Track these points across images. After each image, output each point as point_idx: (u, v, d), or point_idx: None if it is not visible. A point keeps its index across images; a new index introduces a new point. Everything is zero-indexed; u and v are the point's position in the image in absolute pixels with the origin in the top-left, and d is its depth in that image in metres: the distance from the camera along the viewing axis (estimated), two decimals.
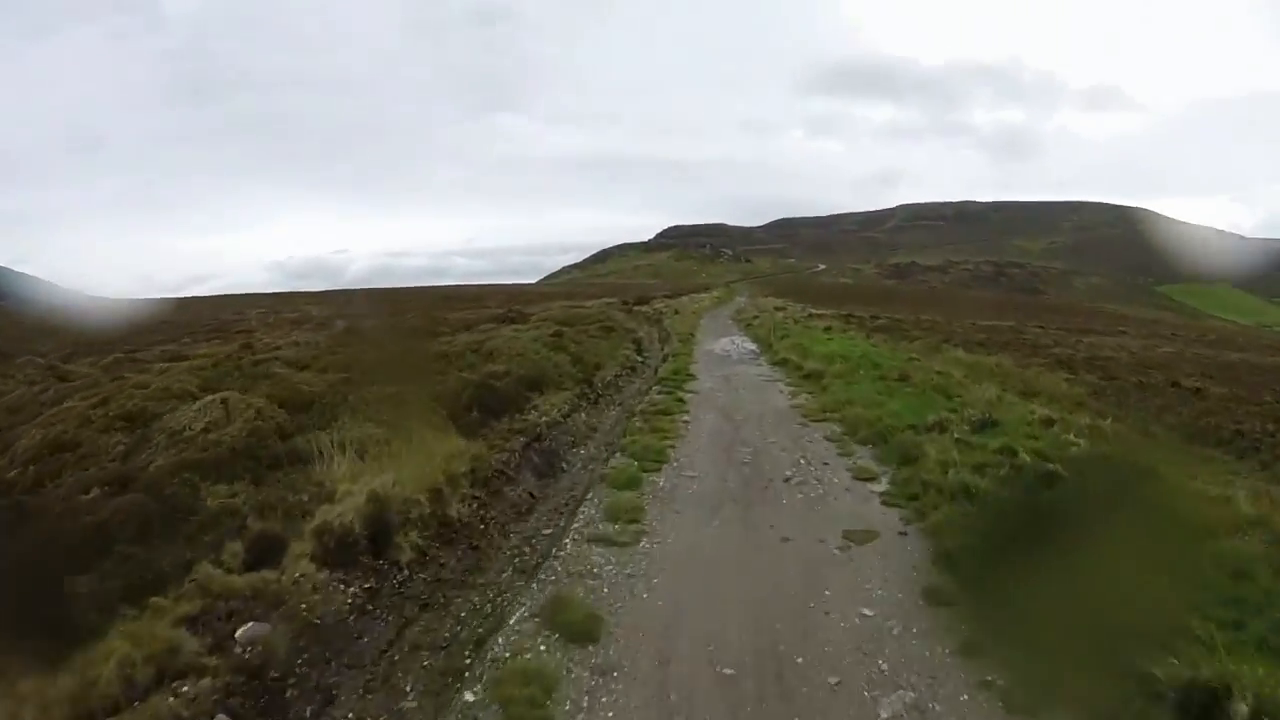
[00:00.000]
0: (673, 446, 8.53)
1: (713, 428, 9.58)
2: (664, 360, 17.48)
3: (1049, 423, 9.19)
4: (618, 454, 8.39)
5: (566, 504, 7.39)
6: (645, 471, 7.50)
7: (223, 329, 24.65)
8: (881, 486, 6.90)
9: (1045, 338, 27.01)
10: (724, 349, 19.70)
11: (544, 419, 10.58)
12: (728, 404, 11.33)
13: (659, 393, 12.52)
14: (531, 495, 7.84)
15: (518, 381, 12.00)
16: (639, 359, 18.00)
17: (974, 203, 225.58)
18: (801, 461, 7.77)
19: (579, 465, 8.93)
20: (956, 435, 8.13)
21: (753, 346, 20.06)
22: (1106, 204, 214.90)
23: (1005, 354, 18.95)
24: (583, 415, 11.55)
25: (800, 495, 6.67)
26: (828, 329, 25.07)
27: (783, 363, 15.96)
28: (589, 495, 6.95)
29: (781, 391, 12.50)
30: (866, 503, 6.48)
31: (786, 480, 7.12)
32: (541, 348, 15.95)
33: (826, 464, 7.67)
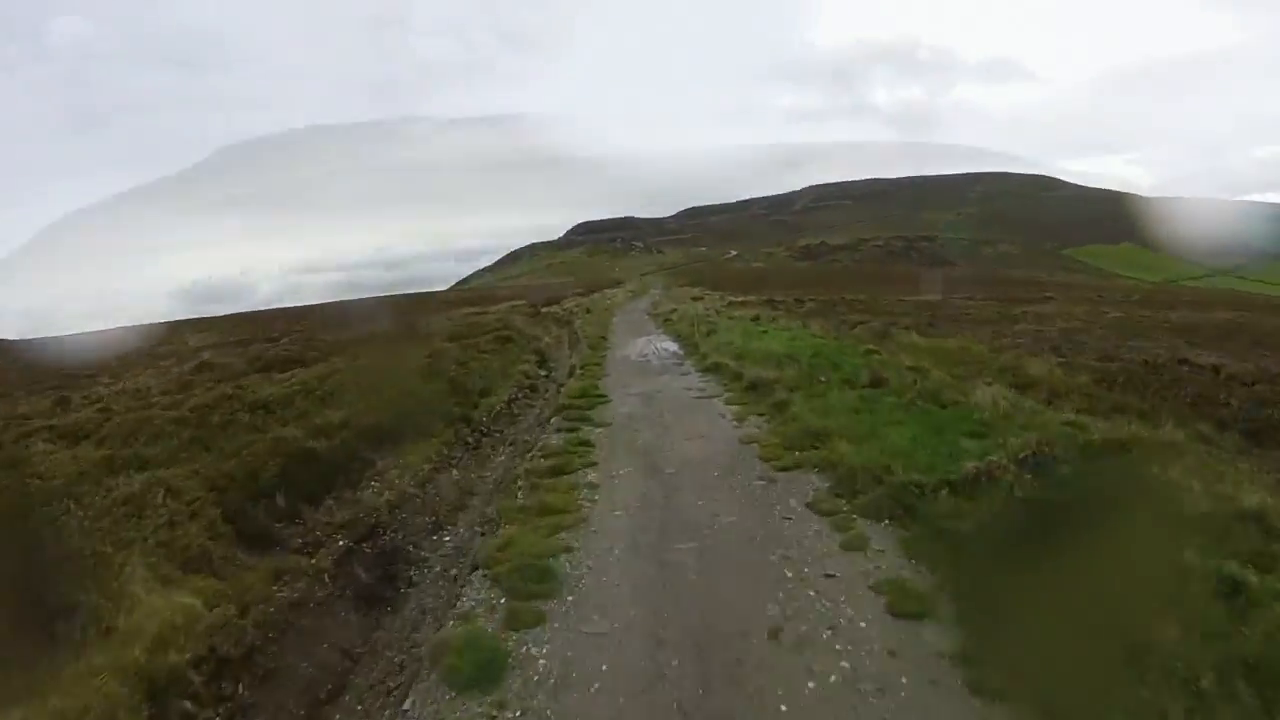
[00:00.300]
0: (568, 549, 5.12)
1: (632, 498, 6.18)
2: (571, 374, 14.16)
3: (1120, 448, 6.29)
4: (478, 573, 4.98)
5: (402, 667, 4.21)
6: (515, 629, 4.08)
7: (70, 376, 19.79)
8: (949, 634, 3.64)
9: (986, 310, 24.93)
10: (641, 353, 16.41)
11: (388, 494, 7.21)
12: (652, 444, 7.99)
13: (558, 429, 9.17)
14: (346, 655, 4.57)
15: (360, 435, 8.53)
16: (541, 374, 14.67)
17: (880, 180, 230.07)
18: (787, 573, 4.46)
19: (437, 570, 5.72)
20: (1019, 492, 5.11)
21: (675, 348, 16.76)
22: (1010, 173, 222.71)
23: (964, 335, 16.38)
24: (454, 473, 8.27)
25: (811, 685, 3.30)
26: (756, 318, 22.21)
27: (715, 369, 12.72)
28: (408, 706, 3.57)
29: (723, 415, 9.25)
30: (937, 692, 3.21)
31: (774, 636, 3.78)
32: (409, 376, 12.45)
33: (832, 576, 4.37)
